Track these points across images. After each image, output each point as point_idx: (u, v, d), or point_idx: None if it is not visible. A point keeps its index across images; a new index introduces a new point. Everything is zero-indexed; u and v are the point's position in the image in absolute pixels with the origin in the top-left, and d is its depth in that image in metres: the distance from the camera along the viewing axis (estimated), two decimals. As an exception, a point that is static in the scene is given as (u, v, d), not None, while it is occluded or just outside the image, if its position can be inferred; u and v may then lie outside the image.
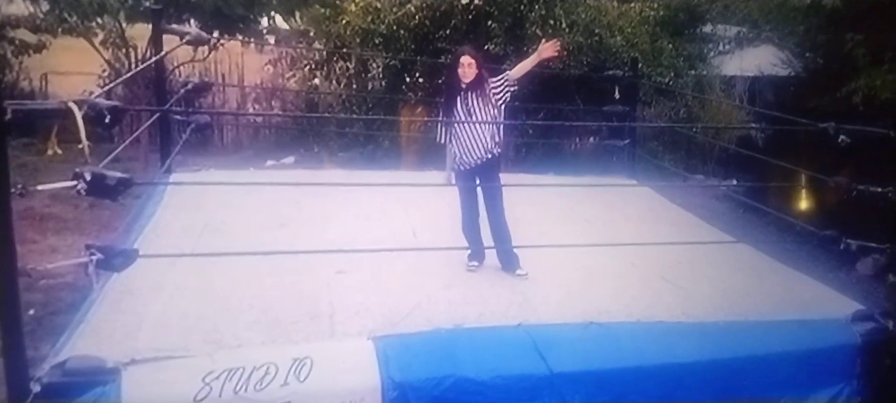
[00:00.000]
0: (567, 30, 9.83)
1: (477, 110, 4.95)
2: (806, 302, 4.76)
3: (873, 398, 4.24)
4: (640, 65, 9.49)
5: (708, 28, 12.33)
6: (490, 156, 5.00)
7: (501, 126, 5.12)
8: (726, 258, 5.47)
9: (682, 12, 11.43)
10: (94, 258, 3.29)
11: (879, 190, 4.52)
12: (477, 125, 4.93)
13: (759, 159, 7.07)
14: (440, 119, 5.35)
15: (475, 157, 4.99)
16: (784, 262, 5.51)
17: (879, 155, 4.68)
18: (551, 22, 9.79)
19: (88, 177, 3.24)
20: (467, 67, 4.91)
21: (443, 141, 5.19)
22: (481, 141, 4.97)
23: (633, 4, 11.44)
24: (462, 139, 5.00)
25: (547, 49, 5.01)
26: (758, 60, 11.70)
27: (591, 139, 10.87)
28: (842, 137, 4.78)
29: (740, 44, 12.89)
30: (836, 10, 7.82)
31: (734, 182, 9.36)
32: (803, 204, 5.89)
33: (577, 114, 10.08)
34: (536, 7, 9.86)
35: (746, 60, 12.16)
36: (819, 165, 5.24)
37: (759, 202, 6.80)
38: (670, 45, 10.88)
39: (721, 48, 12.76)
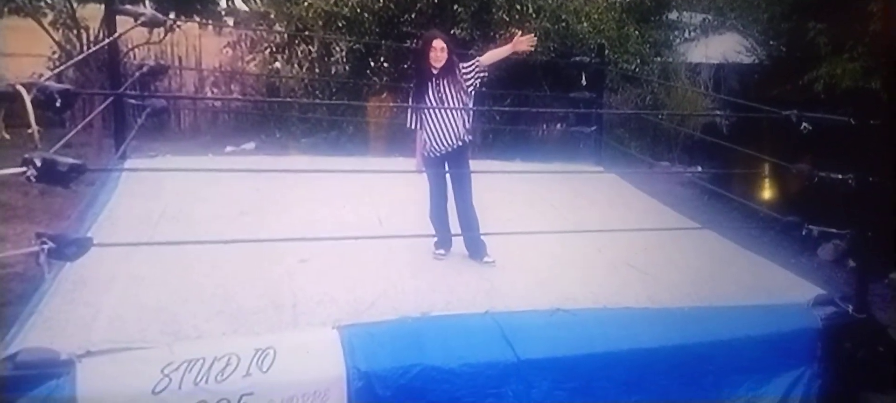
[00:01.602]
0: (534, 15, 9.80)
1: (448, 96, 4.87)
2: (769, 287, 4.82)
3: (833, 380, 4.32)
4: (606, 51, 9.51)
5: (674, 15, 12.44)
6: (460, 143, 4.94)
7: (472, 112, 5.04)
8: (691, 244, 5.50)
9: (648, -1, 11.50)
10: (45, 247, 3.15)
11: (840, 177, 4.58)
12: (448, 111, 4.85)
13: (723, 146, 7.14)
14: (408, 104, 5.27)
15: (446, 144, 4.92)
16: (748, 248, 5.56)
17: (840, 142, 4.74)
18: (518, 7, 9.74)
19: (39, 164, 3.11)
20: (440, 52, 4.82)
21: (413, 126, 5.09)
22: (452, 127, 4.89)
23: (599, -10, 11.45)
24: (432, 125, 4.91)
25: (521, 42, 4.93)
26: (723, 48, 11.86)
27: (558, 125, 10.91)
28: (804, 125, 4.83)
29: (705, 31, 13.06)
30: (800, -2, 7.93)
31: (699, 169, 9.47)
32: (766, 190, 5.97)
33: (544, 101, 10.07)
34: (503, -9, 9.80)
35: (711, 48, 12.32)
36: (782, 152, 5.30)
37: (724, 189, 6.87)
38: (637, 32, 10.94)
39: (687, 35, 12.91)
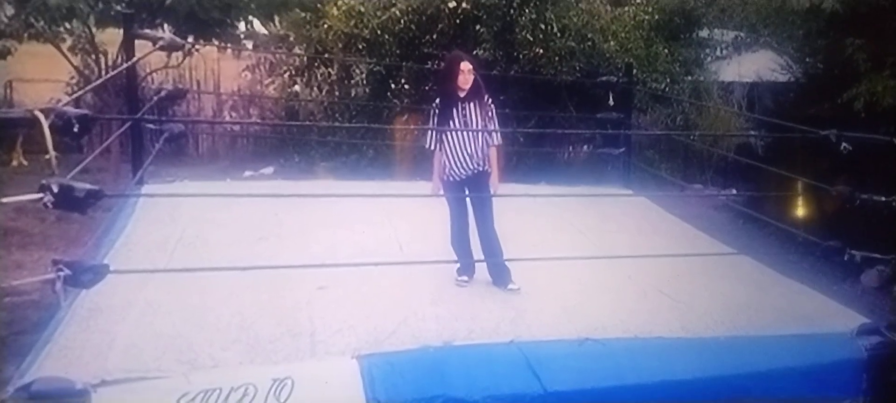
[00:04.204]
0: (558, 34, 9.72)
1: (473, 120, 4.84)
2: (809, 315, 4.68)
3: (880, 414, 4.12)
4: (634, 70, 9.40)
5: (704, 32, 12.29)
6: (481, 167, 4.88)
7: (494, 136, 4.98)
8: (726, 270, 5.35)
9: (678, 16, 11.37)
10: (61, 274, 3.14)
11: (884, 199, 4.41)
12: (470, 134, 4.80)
13: (758, 168, 6.97)
14: (430, 127, 5.22)
15: (467, 168, 4.86)
16: (786, 274, 5.41)
17: (883, 163, 4.56)
18: (542, 26, 9.67)
19: (56, 190, 3.10)
20: (467, 74, 4.79)
21: (431, 147, 5.04)
22: (474, 151, 4.85)
23: (626, 8, 11.36)
24: (454, 149, 4.86)
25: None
26: (756, 66, 11.64)
27: (585, 147, 10.78)
28: (844, 145, 4.69)
29: (738, 48, 12.87)
30: (836, 14, 7.72)
31: (733, 191, 9.27)
32: (805, 214, 5.78)
33: (570, 122, 9.95)
34: (527, 11, 9.73)
35: (744, 66, 12.09)
36: (821, 174, 5.13)
37: (760, 212, 6.71)
38: (666, 50, 10.81)
39: (718, 53, 12.74)
